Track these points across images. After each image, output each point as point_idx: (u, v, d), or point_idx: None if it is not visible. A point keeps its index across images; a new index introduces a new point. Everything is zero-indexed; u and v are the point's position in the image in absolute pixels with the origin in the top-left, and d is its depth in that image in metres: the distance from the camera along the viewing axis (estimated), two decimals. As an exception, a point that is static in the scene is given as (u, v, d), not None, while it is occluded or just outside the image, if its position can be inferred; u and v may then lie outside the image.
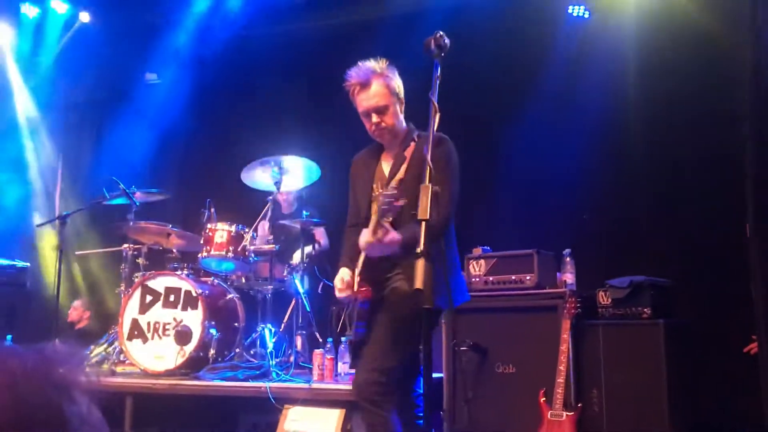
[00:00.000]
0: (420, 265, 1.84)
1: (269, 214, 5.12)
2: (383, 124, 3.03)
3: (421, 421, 3.04)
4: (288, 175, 5.13)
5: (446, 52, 2.36)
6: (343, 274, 3.14)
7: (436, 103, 2.22)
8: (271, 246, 5.05)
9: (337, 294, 3.15)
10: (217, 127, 6.50)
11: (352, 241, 3.11)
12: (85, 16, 7.11)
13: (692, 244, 4.80)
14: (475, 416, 4.35)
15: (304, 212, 5.37)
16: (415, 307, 2.67)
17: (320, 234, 5.69)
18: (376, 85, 2.98)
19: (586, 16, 5.49)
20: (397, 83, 3.05)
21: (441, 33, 2.37)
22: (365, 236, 2.82)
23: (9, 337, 5.40)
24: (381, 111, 3.01)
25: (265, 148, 5.27)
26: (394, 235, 2.76)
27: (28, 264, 6.27)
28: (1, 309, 5.87)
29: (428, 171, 2.03)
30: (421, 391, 3.04)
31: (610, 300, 4.27)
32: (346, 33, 6.00)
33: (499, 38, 5.45)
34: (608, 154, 5.13)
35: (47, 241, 6.50)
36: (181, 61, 6.68)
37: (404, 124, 3.11)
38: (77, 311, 6.50)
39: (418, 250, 1.87)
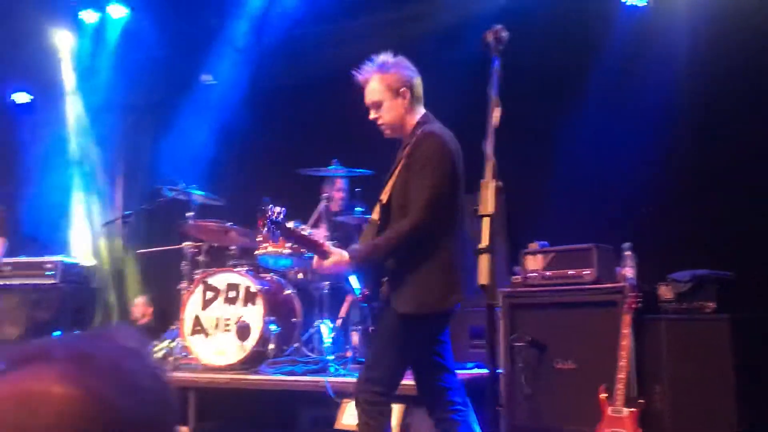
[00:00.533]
0: (483, 260, 1.84)
1: (324, 210, 5.19)
2: (380, 120, 3.07)
3: (456, 416, 3.04)
4: (342, 171, 5.19)
5: (505, 46, 2.34)
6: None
7: (496, 98, 2.20)
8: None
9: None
10: (273, 125, 6.59)
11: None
12: (141, 19, 7.29)
13: (755, 236, 4.65)
14: (534, 412, 4.31)
15: (358, 208, 5.42)
16: (397, 315, 2.84)
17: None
18: (372, 82, 3.04)
19: (642, 4, 5.37)
20: (397, 78, 3.02)
21: (499, 26, 2.36)
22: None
23: (57, 333, 5.58)
24: (377, 107, 3.05)
25: (321, 145, 5.32)
26: (341, 259, 2.92)
27: (94, 262, 6.47)
28: (67, 306, 6.08)
29: (489, 165, 2.01)
30: (449, 386, 3.07)
31: (672, 294, 4.18)
32: (397, 29, 6.00)
33: (554, 29, 5.38)
34: (666, 144, 5.01)
35: (111, 239, 6.71)
36: (236, 62, 6.79)
37: (410, 119, 3.06)
38: (140, 308, 6.68)
39: (482, 246, 1.86)
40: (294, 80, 6.49)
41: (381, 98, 3.02)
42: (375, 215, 3.09)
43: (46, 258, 6.09)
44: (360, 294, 3.13)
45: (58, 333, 5.48)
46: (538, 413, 4.31)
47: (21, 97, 7.75)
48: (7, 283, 5.90)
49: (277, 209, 3.05)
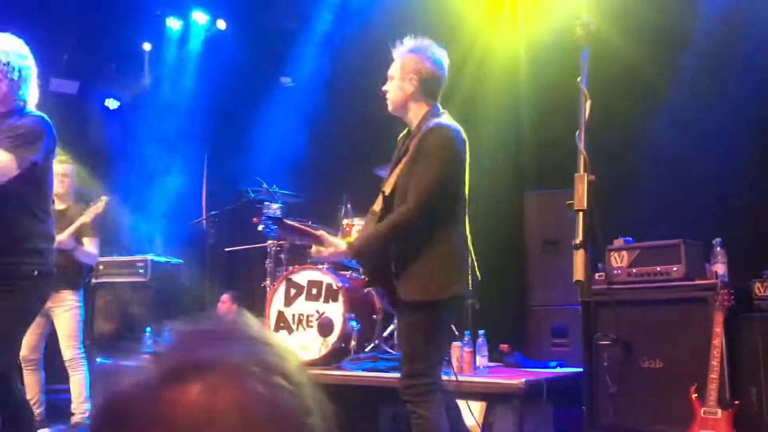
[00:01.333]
0: (578, 256, 1.82)
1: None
2: (385, 91, 3.23)
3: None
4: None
5: (593, 38, 2.31)
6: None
7: (586, 90, 2.17)
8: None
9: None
10: (351, 125, 6.67)
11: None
12: (221, 24, 7.52)
13: None
14: (619, 412, 4.22)
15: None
16: (408, 305, 2.92)
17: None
18: (395, 56, 3.21)
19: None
20: (413, 64, 3.14)
21: (587, 18, 2.32)
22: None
23: (148, 329, 5.81)
24: (390, 80, 3.21)
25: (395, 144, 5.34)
26: (337, 249, 3.09)
27: (181, 260, 6.72)
28: (157, 303, 6.33)
29: (582, 158, 1.99)
30: None
31: (767, 291, 4.01)
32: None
33: (640, 21, 5.23)
34: (757, 135, 4.80)
35: (198, 238, 6.94)
36: (314, 64, 6.91)
37: (415, 106, 3.17)
38: (226, 304, 6.89)
39: (577, 241, 1.84)
40: (371, 78, 6.54)
41: (393, 74, 3.19)
42: (377, 206, 3.17)
43: (137, 257, 6.37)
44: (361, 279, 3.26)
45: (149, 329, 5.71)
46: (623, 413, 4.21)
47: (111, 104, 8.12)
48: (102, 281, 6.20)
49: (274, 205, 3.28)
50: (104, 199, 5.00)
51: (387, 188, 3.10)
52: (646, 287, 4.28)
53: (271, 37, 7.14)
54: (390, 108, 3.25)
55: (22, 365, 4.72)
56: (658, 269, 4.27)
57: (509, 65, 5.90)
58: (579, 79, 2.19)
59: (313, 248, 3.24)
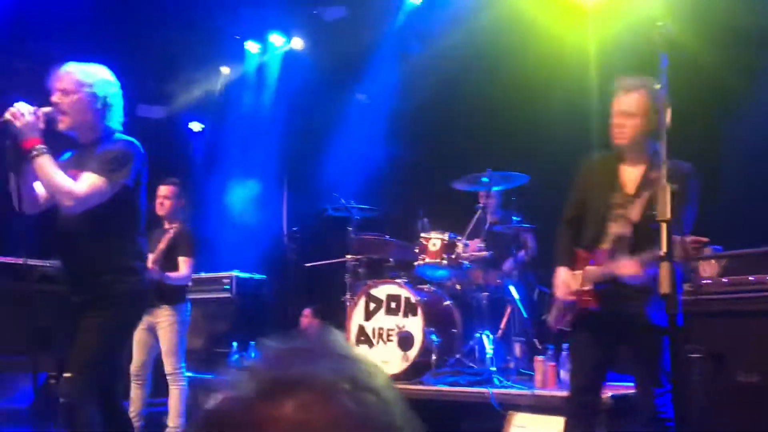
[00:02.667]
0: (664, 268, 1.77)
1: (480, 221, 5.20)
2: (625, 130, 3.07)
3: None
4: (495, 181, 5.18)
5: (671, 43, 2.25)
6: (564, 275, 3.13)
7: (665, 97, 2.12)
8: (483, 253, 5.11)
9: (559, 294, 3.16)
10: (427, 139, 6.71)
11: (568, 238, 3.21)
12: (298, 43, 7.69)
13: None
14: (711, 428, 4.04)
15: (514, 217, 5.38)
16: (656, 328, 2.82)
17: (530, 239, 5.66)
18: (637, 94, 3.05)
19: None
20: (657, 103, 2.94)
21: (665, 23, 2.27)
22: (624, 263, 2.96)
23: (234, 344, 5.95)
24: (628, 117, 3.07)
25: (474, 155, 5.35)
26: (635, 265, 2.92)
27: (264, 276, 6.89)
28: (241, 318, 6.50)
29: (664, 168, 1.94)
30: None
31: None
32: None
33: (722, 23, 5.05)
34: None
35: (280, 254, 7.11)
36: (389, 79, 6.98)
37: (649, 144, 3.07)
38: (307, 319, 7.01)
39: (662, 253, 1.80)
40: (445, 92, 6.57)
41: (637, 113, 3.06)
42: (620, 229, 3.06)
43: (222, 273, 6.57)
44: (581, 299, 3.12)
45: (235, 343, 5.87)
46: (717, 428, 4.03)
47: (195, 126, 8.44)
48: (190, 297, 6.42)
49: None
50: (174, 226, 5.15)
51: (635, 216, 3.04)
52: (740, 297, 4.09)
53: (347, 55, 7.26)
54: (623, 142, 3.12)
55: (132, 380, 4.96)
56: (752, 279, 4.07)
57: (580, 71, 5.80)
58: (658, 86, 2.14)
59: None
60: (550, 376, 4.49)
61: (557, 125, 5.63)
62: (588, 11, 5.82)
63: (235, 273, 6.55)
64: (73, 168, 3.08)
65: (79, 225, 3.04)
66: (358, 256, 5.69)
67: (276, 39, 7.81)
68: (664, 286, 1.76)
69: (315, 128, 7.54)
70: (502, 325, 5.16)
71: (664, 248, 1.79)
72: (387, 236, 5.60)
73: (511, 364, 4.84)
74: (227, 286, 6.46)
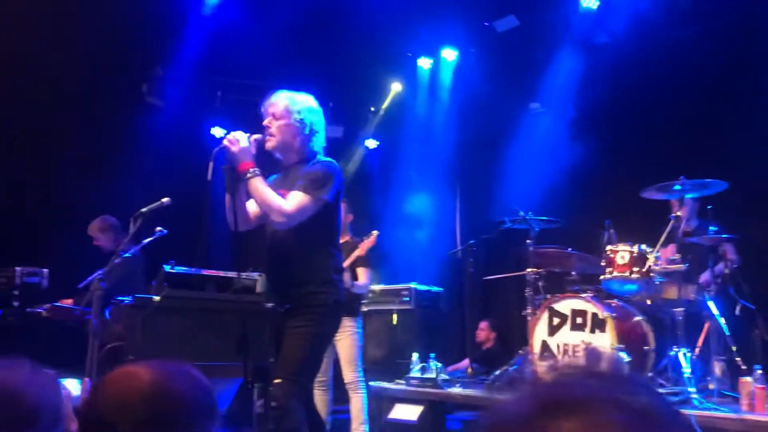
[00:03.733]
0: None
1: (673, 231, 4.90)
2: None
3: None
4: (689, 189, 4.86)
5: None
6: None
7: None
8: (678, 266, 4.80)
9: None
10: (609, 147, 6.46)
11: None
12: (469, 57, 7.71)
13: None
14: None
15: (711, 227, 5.01)
16: None
17: (730, 251, 5.24)
18: None
19: None
20: None
21: None
22: None
23: (415, 354, 6.02)
24: None
25: (665, 162, 5.07)
26: None
27: (442, 288, 6.96)
28: (420, 329, 6.61)
29: None
30: None
31: None
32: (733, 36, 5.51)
33: None
34: None
35: (456, 267, 7.14)
36: (564, 88, 6.82)
37: None
38: (484, 332, 6.98)
39: None
40: (624, 99, 6.30)
41: None
42: None
43: (402, 285, 6.73)
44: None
45: (416, 354, 5.96)
46: None
47: (371, 143, 8.74)
48: (372, 308, 6.64)
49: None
50: (375, 233, 5.39)
51: None
52: None
53: (519, 65, 7.19)
54: None
55: (315, 386, 5.21)
56: None
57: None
58: None
59: None
60: (758, 400, 4.11)
61: (761, 127, 5.21)
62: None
63: (413, 285, 6.68)
64: (279, 188, 3.33)
65: (286, 240, 3.27)
66: (539, 270, 5.58)
67: (448, 53, 7.89)
68: None
69: (488, 139, 7.52)
70: (700, 343, 4.82)
71: None
72: (569, 249, 5.43)
73: (712, 385, 4.49)
74: (406, 298, 6.60)
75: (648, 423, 0.70)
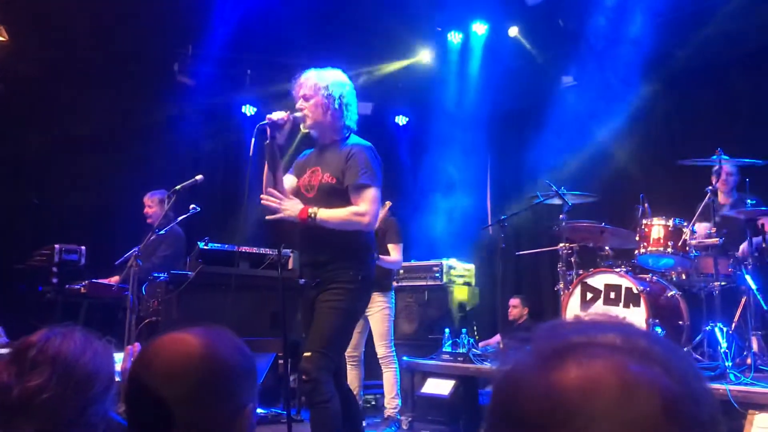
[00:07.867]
0: None
1: (710, 204, 4.80)
2: None
3: None
4: (728, 161, 4.76)
5: None
6: None
7: None
8: (714, 240, 4.71)
9: None
10: (644, 121, 6.35)
11: None
12: (513, 31, 7.58)
13: None
14: None
15: (749, 201, 4.92)
16: None
17: (768, 224, 5.13)
18: None
19: None
20: None
21: None
22: None
23: (447, 330, 6.02)
24: None
25: (703, 135, 4.97)
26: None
27: (473, 264, 6.94)
28: (452, 305, 6.61)
29: None
30: None
31: None
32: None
33: None
34: None
35: (487, 242, 7.12)
36: (598, 61, 6.69)
37: None
38: (517, 308, 6.96)
39: None
40: (667, 69, 6.16)
41: None
42: None
43: (433, 261, 6.72)
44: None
45: (447, 330, 5.97)
46: None
47: (401, 120, 8.70)
48: (403, 284, 6.65)
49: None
50: (388, 203, 5.37)
51: None
52: None
53: (551, 39, 7.07)
54: None
55: (346, 361, 5.26)
56: None
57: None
58: None
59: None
60: (797, 375, 4.05)
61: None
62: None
63: (444, 261, 6.67)
64: (315, 165, 3.38)
65: None
66: (572, 245, 5.52)
67: (479, 27, 7.78)
68: None
69: (520, 114, 7.44)
70: (736, 318, 4.73)
71: None
72: (603, 223, 5.36)
73: (749, 360, 4.42)
74: (437, 274, 6.60)
75: (653, 369, 0.69)
